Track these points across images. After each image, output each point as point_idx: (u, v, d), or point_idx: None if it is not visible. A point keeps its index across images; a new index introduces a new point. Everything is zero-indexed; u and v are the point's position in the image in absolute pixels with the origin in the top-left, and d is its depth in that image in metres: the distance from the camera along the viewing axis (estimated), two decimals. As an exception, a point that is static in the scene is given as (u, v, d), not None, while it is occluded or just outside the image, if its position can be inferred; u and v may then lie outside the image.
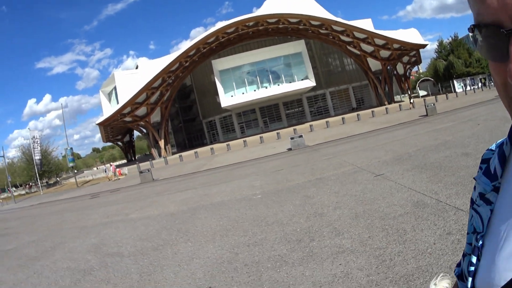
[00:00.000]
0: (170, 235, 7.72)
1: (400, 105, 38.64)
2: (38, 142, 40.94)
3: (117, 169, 35.36)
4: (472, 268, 0.58)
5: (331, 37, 49.30)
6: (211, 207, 10.02)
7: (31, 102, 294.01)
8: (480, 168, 0.61)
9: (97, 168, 67.97)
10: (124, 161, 74.41)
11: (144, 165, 37.67)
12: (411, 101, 37.77)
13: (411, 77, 67.73)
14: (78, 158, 77.70)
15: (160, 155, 49.27)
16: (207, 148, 42.04)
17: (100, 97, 56.30)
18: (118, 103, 50.37)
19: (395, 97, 55.71)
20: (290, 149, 23.23)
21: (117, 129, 58.38)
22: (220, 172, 19.38)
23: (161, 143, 49.54)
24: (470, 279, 0.59)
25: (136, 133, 65.33)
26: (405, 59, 51.70)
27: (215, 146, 39.63)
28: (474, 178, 0.62)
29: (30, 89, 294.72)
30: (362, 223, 5.62)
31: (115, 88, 53.19)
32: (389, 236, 4.80)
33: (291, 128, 38.17)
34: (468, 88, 50.44)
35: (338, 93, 58.77)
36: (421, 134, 15.82)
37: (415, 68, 67.71)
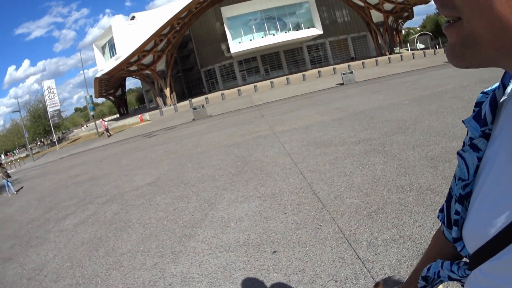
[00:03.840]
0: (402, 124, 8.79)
1: (413, 54, 40.28)
2: (54, 92, 38.39)
3: (105, 123, 32.96)
4: (458, 217, 0.58)
5: (337, -14, 49.75)
6: (378, 110, 11.12)
7: (11, 69, 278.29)
8: (473, 111, 0.57)
9: (86, 126, 66.57)
10: (115, 116, 73.07)
11: (153, 113, 37.77)
12: (437, 46, 39.52)
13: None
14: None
15: (165, 104, 49.15)
16: (231, 91, 42.22)
17: (94, 51, 54.57)
18: (115, 54, 49.27)
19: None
20: (341, 84, 24.32)
21: (112, 82, 57.24)
22: (295, 101, 20.06)
23: (167, 91, 49.28)
24: (455, 228, 0.59)
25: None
26: (399, 13, 53.11)
27: (242, 88, 39.70)
28: (463, 121, 0.58)
29: (10, 56, 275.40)
30: None
31: (109, 40, 51.69)
32: None
33: (299, 74, 39.26)
34: None
35: (337, 42, 59.78)
36: (468, 72, 16.23)
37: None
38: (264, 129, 12.41)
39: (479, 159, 0.53)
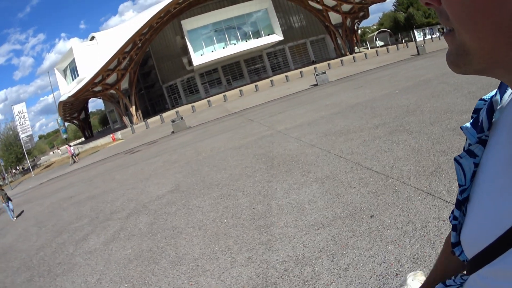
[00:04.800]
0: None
1: (377, 51, 42.06)
2: (25, 117, 36.38)
3: (70, 148, 31.10)
4: (456, 222, 0.59)
5: (294, -7, 51.29)
6: (373, 101, 11.83)
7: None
8: (472, 117, 0.60)
9: (53, 153, 64.48)
10: (81, 139, 70.86)
11: (125, 132, 37.28)
12: (404, 41, 41.59)
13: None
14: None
15: (132, 122, 48.37)
16: (200, 102, 42.08)
17: (55, 75, 53.10)
18: (77, 76, 48.21)
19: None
20: (315, 85, 25.02)
21: (75, 106, 55.86)
22: (276, 104, 20.43)
23: (132, 109, 48.59)
24: (454, 233, 0.60)
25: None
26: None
27: (212, 99, 39.61)
28: (460, 127, 0.60)
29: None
30: None
31: (71, 63, 50.59)
32: None
33: (267, 80, 40.01)
34: (428, 37, 56.13)
35: (296, 47, 61.21)
36: (443, 61, 17.77)
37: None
38: (264, 130, 12.58)
39: (476, 165, 0.55)
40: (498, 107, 0.53)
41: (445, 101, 8.66)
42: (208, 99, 40.25)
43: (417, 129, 6.89)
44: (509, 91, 0.53)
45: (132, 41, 42.38)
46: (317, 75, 25.16)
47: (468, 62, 0.43)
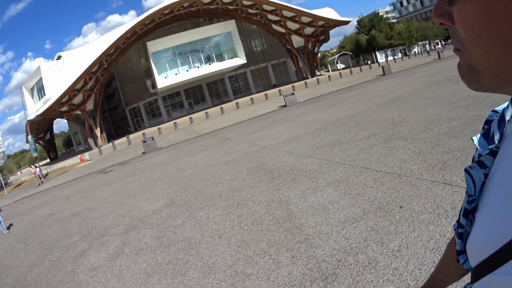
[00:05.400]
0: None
1: (340, 73, 43.94)
2: None
3: (36, 169, 30.23)
4: (462, 230, 0.60)
5: (258, 16, 52.72)
6: (354, 116, 12.35)
7: None
8: (483, 128, 0.61)
9: (20, 173, 61.92)
10: (46, 160, 68.03)
11: (92, 153, 36.39)
12: (369, 62, 43.87)
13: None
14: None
15: (96, 145, 47.20)
16: (166, 125, 41.63)
17: (24, 94, 50.93)
18: (44, 95, 46.85)
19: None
20: (284, 106, 25.67)
21: (42, 126, 53.98)
22: (249, 124, 20.60)
23: (97, 131, 47.52)
24: (459, 241, 0.61)
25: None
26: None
27: (177, 121, 39.40)
28: (472, 138, 0.62)
29: None
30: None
31: (38, 82, 49.07)
32: None
33: (232, 103, 40.49)
34: (390, 58, 59.21)
35: (258, 71, 62.48)
36: (412, 80, 19.07)
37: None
38: (246, 147, 12.39)
39: (486, 176, 0.55)
40: (510, 119, 0.54)
41: (428, 112, 9.29)
42: (173, 121, 40.08)
43: (410, 136, 7.40)
44: None
45: (99, 61, 41.87)
46: (285, 96, 25.84)
47: (478, 79, 0.45)
